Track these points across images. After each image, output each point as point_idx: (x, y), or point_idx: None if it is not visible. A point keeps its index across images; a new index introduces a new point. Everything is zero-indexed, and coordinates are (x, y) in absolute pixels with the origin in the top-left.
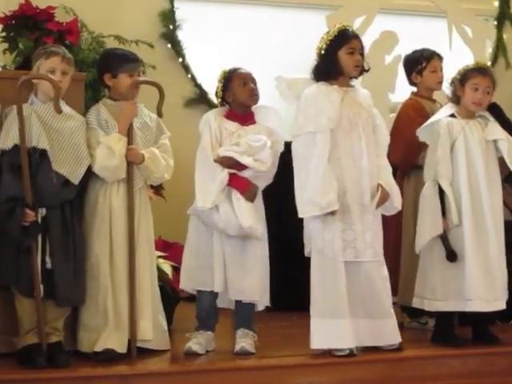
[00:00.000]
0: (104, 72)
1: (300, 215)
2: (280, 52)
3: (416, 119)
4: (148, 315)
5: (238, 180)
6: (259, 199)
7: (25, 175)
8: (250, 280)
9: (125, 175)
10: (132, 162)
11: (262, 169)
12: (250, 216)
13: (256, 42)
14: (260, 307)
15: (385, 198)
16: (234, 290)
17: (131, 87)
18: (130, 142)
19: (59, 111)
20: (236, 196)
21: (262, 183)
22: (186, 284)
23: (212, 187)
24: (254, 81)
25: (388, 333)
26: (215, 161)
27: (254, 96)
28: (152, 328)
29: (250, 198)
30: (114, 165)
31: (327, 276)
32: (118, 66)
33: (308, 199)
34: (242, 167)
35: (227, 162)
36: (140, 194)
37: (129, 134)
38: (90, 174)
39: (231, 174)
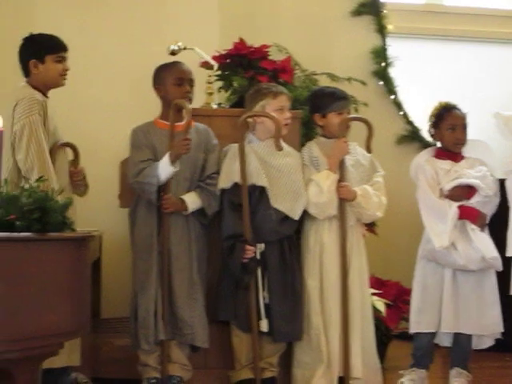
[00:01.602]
0: (314, 111)
1: (507, 254)
2: (491, 88)
3: None
4: (357, 352)
5: (467, 210)
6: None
7: (245, 213)
8: (491, 313)
9: (336, 212)
10: (344, 198)
11: (489, 192)
12: (491, 246)
13: (468, 77)
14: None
15: None
16: (474, 325)
17: (340, 125)
18: (341, 179)
19: (280, 149)
20: (470, 227)
21: (489, 211)
22: (415, 327)
23: (444, 225)
24: (464, 127)
25: None
26: (446, 196)
27: (459, 144)
28: (361, 366)
29: (482, 226)
30: (323, 201)
31: None
32: (326, 105)
33: None
34: (470, 195)
35: (458, 193)
36: (352, 231)
37: (341, 171)
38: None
39: (459, 207)
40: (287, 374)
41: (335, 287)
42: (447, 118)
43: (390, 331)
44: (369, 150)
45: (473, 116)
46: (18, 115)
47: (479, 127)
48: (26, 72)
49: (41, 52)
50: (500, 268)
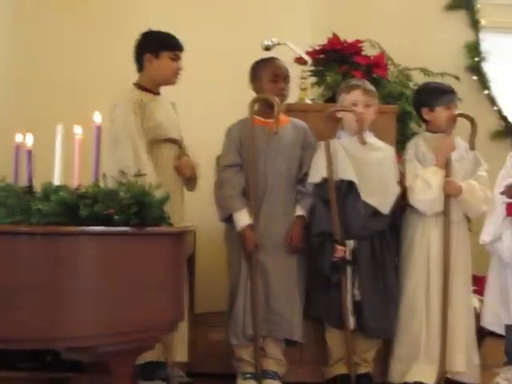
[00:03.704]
0: (421, 105)
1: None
2: None
3: None
4: (461, 348)
5: None
6: None
7: (333, 210)
8: None
9: (443, 208)
10: (449, 194)
11: None
12: None
13: None
14: None
15: None
16: None
17: (449, 121)
18: (447, 174)
19: (363, 143)
20: None
21: None
22: (490, 320)
23: (491, 219)
24: None
25: None
26: (501, 193)
27: None
28: (465, 361)
29: None
30: (430, 198)
31: None
32: (435, 99)
33: None
34: None
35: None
36: (459, 226)
37: (447, 166)
38: (399, 206)
39: (509, 204)
40: (384, 369)
41: (439, 282)
42: None
43: (483, 328)
44: (472, 146)
45: None
46: (115, 116)
47: None
48: (141, 66)
49: (157, 47)
50: None
